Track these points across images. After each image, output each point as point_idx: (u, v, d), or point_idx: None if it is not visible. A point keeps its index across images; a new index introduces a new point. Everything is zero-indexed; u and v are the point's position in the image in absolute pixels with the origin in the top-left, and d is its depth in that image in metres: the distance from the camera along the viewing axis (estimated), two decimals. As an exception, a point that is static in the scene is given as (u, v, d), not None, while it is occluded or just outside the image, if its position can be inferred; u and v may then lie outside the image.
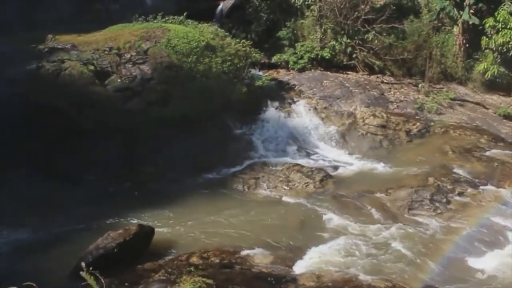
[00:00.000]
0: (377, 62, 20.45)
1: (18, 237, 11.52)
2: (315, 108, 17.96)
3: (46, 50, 15.55)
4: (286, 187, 13.98)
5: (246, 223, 11.96)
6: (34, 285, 4.28)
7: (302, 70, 20.33)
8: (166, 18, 18.10)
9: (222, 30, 19.04)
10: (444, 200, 12.73)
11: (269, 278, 9.22)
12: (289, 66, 20.58)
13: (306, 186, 13.96)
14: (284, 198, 13.50)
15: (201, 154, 15.06)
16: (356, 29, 20.53)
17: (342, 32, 20.63)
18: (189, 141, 15.06)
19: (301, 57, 20.55)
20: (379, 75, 20.60)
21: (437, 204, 12.56)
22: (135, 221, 11.66)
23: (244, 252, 10.44)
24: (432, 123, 17.65)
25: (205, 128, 15.59)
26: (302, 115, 17.68)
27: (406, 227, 11.55)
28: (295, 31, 21.40)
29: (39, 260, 10.22)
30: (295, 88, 18.91)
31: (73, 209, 12.72)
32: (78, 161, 14.36)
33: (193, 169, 14.75)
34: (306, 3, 21.07)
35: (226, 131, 16.26)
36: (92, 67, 15.21)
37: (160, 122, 14.95)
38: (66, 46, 15.74)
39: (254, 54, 18.23)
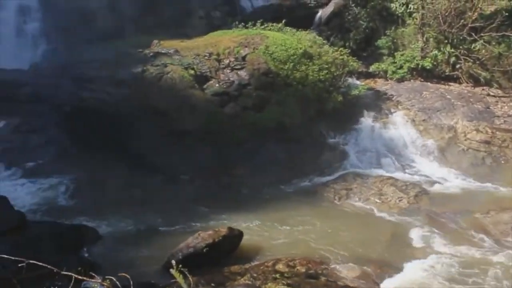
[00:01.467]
0: (484, 73, 19.18)
1: (116, 229, 12.22)
2: (413, 120, 17.24)
3: (151, 54, 16.48)
4: (378, 201, 13.55)
5: (334, 234, 11.73)
6: (128, 276, 4.48)
7: (401, 80, 19.62)
8: (265, 25, 18.39)
9: (320, 37, 18.95)
10: (555, 227, 11.59)
11: (355, 293, 8.97)
12: (387, 75, 19.94)
13: (399, 200, 13.42)
14: (376, 212, 13.08)
15: (293, 161, 15.09)
16: (461, 38, 19.42)
17: (446, 41, 19.62)
18: (282, 147, 15.17)
19: (401, 67, 19.84)
20: (485, 87, 19.28)
21: (546, 231, 11.47)
22: (225, 223, 11.90)
23: (331, 264, 10.24)
24: (545, 142, 16.19)
25: (298, 135, 15.60)
26: (399, 127, 17.05)
27: (508, 253, 10.65)
28: (395, 40, 20.71)
29: (133, 253, 10.77)
30: (393, 99, 18.29)
31: (168, 207, 13.30)
32: (175, 161, 15.05)
33: (284, 175, 14.81)
34: (408, 11, 20.36)
35: (319, 139, 16.14)
36: (192, 72, 15.83)
37: (255, 127, 15.19)
38: (169, 51, 16.56)
39: (351, 63, 17.93)
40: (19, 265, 3.95)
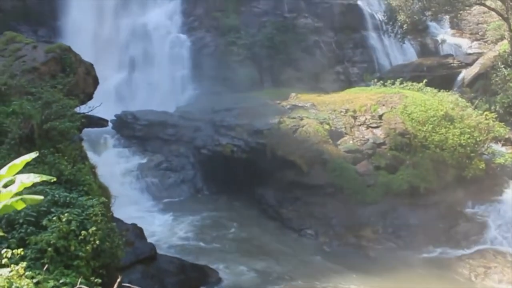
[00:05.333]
0: None
1: (235, 274, 12.41)
2: None
3: (288, 106, 16.95)
4: (523, 284, 12.15)
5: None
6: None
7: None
8: (404, 84, 18.01)
9: (463, 99, 18.02)
10: None
11: None
12: (540, 144, 18.19)
13: (550, 288, 11.89)
14: (520, 297, 11.73)
15: (425, 229, 14.22)
16: None
17: None
18: (414, 212, 14.44)
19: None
20: None
21: None
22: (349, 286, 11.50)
23: None
24: None
25: (433, 201, 14.76)
26: (551, 203, 15.33)
27: None
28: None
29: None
30: (545, 170, 16.57)
31: (289, 259, 13.26)
32: (302, 214, 15.08)
33: (415, 243, 13.99)
34: None
35: (456, 208, 15.07)
36: (327, 127, 15.93)
37: (387, 188, 14.70)
38: (306, 105, 16.89)
39: (497, 128, 16.68)
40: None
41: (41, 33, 21.64)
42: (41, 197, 2.70)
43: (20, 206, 2.64)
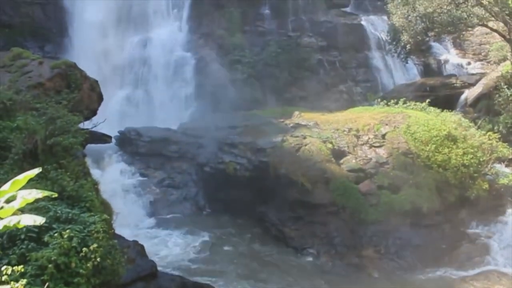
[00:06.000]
0: None
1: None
2: None
3: (291, 125, 16.98)
4: (528, 308, 12.00)
5: None
6: None
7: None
8: (407, 104, 18.03)
9: (466, 119, 18.01)
10: None
11: None
12: (543, 165, 18.11)
13: (555, 312, 11.74)
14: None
15: (428, 249, 14.11)
16: None
17: None
18: (417, 232, 14.34)
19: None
20: None
21: None
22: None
23: None
24: None
25: (436, 221, 14.67)
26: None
27: None
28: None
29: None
30: (549, 192, 16.46)
31: (291, 279, 13.16)
32: (304, 233, 15.00)
33: (418, 263, 13.88)
34: None
35: (459, 228, 14.97)
36: (330, 145, 15.92)
37: (389, 208, 14.62)
38: (309, 124, 16.92)
39: (501, 149, 16.62)
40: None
41: (47, 49, 21.91)
42: (43, 219, 2.71)
43: (21, 225, 2.66)
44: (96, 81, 13.85)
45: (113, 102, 20.18)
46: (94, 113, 13.52)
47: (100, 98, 13.82)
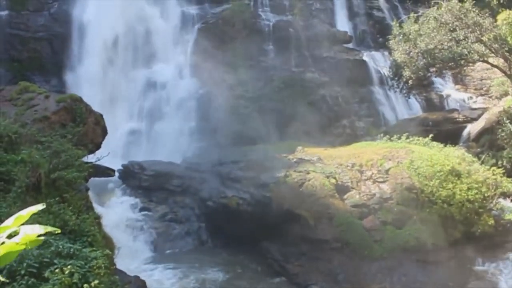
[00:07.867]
0: None
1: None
2: None
3: (294, 160, 16.95)
4: None
5: None
6: None
7: None
8: (411, 139, 18.06)
9: (469, 154, 18.00)
10: None
11: None
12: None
13: None
14: None
15: (435, 286, 13.86)
16: None
17: None
18: (422, 269, 14.12)
19: None
20: None
21: None
22: None
23: None
24: None
25: (442, 257, 14.44)
26: None
27: None
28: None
29: None
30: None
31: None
32: (307, 269, 14.76)
33: (424, 301, 13.60)
34: None
35: (465, 265, 14.74)
36: (333, 181, 15.86)
37: (394, 244, 14.45)
38: (313, 159, 16.89)
39: (505, 184, 16.55)
40: None
41: (53, 82, 22.25)
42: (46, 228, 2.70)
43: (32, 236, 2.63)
44: (101, 115, 13.97)
45: (117, 136, 20.27)
46: (98, 146, 13.60)
47: (104, 132, 13.93)
